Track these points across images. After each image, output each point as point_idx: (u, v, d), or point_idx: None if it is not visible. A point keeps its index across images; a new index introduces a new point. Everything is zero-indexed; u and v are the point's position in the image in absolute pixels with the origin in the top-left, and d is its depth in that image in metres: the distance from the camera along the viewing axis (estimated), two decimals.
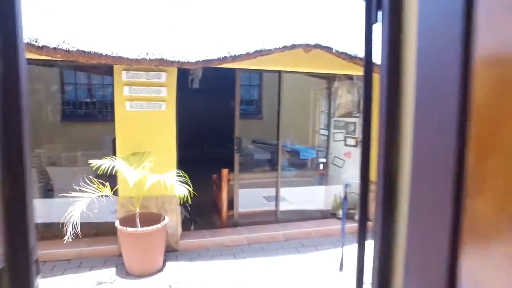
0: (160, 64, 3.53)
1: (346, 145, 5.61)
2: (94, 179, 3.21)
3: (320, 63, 4.60)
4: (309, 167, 6.54)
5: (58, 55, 3.19)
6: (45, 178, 4.45)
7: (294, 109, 6.23)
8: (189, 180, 3.51)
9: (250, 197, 5.56)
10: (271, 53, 3.77)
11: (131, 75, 3.85)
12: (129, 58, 3.37)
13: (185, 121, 8.24)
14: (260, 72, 8.52)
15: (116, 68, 3.83)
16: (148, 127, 3.97)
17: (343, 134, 5.63)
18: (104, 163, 3.24)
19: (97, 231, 4.55)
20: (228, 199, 4.93)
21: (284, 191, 5.26)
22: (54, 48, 3.16)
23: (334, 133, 5.71)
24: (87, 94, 7.13)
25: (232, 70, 4.58)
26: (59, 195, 3.96)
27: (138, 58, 3.40)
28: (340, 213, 5.26)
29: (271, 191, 5.29)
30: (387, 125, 0.87)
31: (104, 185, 3.19)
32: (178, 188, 3.27)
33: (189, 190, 3.35)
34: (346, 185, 2.42)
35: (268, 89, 9.00)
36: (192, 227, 4.58)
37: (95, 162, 3.17)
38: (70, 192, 3.19)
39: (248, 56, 3.71)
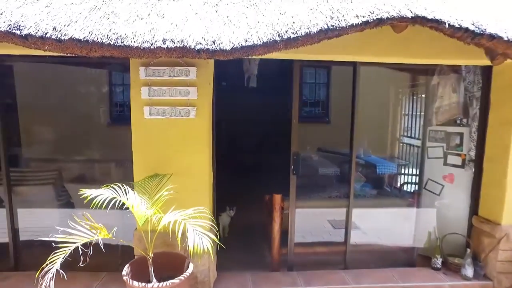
0: (183, 54, 2.52)
1: (446, 164, 4.06)
2: (87, 215, 2.34)
3: (415, 49, 3.19)
4: (386, 184, 5.11)
5: (47, 47, 2.38)
6: (66, 195, 3.82)
7: (369, 112, 4.80)
8: (216, 228, 2.45)
9: (310, 222, 4.31)
10: (344, 33, 2.50)
11: (151, 72, 2.92)
12: (139, 48, 2.41)
13: (241, 125, 7.37)
14: (328, 66, 7.19)
15: (132, 63, 2.94)
16: (173, 140, 3.02)
17: (442, 149, 4.08)
18: (102, 194, 2.34)
19: (123, 259, 3.77)
20: (280, 232, 3.79)
21: (356, 214, 3.89)
22: (42, 37, 2.35)
23: (429, 147, 4.18)
24: None
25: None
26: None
27: (152, 47, 2.42)
28: (438, 261, 3.75)
29: (339, 213, 3.97)
30: None
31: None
32: (193, 238, 2.20)
33: (212, 242, 2.27)
34: None
35: (337, 86, 7.62)
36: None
37: (88, 193, 2.29)
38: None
39: (308, 38, 2.49)
